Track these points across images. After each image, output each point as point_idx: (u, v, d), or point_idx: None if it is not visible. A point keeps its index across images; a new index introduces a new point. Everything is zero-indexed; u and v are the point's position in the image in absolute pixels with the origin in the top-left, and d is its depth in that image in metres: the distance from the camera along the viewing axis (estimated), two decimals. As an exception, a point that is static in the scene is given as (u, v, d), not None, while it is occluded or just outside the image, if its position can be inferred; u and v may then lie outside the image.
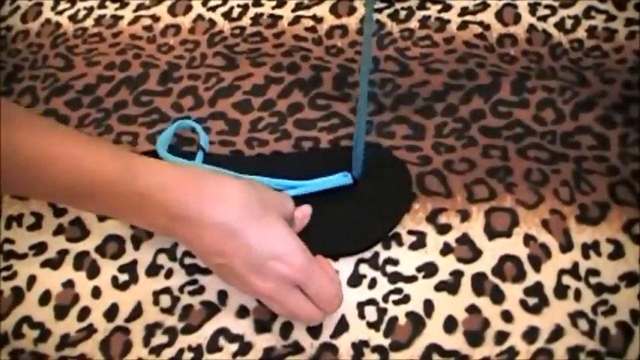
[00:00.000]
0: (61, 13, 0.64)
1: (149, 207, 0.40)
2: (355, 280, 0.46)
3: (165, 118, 0.55)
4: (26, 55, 0.61)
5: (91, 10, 0.64)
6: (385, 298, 0.45)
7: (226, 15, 0.62)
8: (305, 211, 0.47)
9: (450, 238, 0.47)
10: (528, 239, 0.46)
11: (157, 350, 0.44)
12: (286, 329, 0.44)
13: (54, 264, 0.48)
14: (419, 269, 0.46)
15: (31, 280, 0.47)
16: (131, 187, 0.40)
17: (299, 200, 0.48)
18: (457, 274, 0.45)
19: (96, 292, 0.47)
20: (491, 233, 0.47)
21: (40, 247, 0.49)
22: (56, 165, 0.39)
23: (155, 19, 0.63)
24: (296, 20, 0.61)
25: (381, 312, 0.44)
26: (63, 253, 0.48)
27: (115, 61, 0.60)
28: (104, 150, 0.41)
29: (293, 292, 0.41)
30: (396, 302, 0.44)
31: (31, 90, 0.58)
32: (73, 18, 0.64)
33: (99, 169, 0.40)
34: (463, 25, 0.59)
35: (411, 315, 0.44)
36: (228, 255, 0.40)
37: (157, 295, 0.46)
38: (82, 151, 0.41)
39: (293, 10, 0.62)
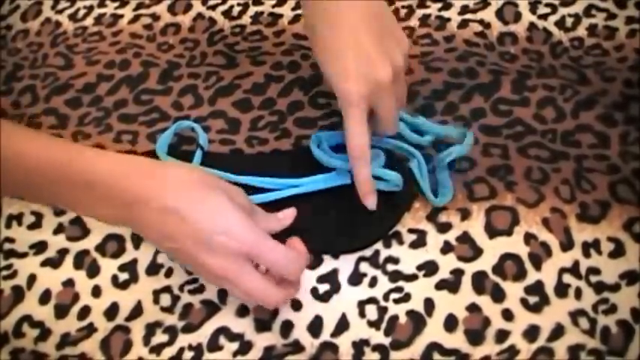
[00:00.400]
0: (61, 12, 0.64)
1: (97, 196, 0.41)
2: (356, 278, 0.46)
3: (165, 116, 0.55)
4: (26, 54, 0.61)
5: (90, 8, 0.64)
6: (386, 297, 0.45)
7: (226, 13, 0.62)
8: (287, 213, 0.46)
9: (451, 236, 0.47)
10: (529, 238, 0.46)
11: (157, 349, 0.44)
12: (287, 328, 0.44)
13: (54, 263, 0.48)
14: (419, 268, 0.46)
15: (32, 279, 0.47)
16: (78, 175, 0.41)
17: (299, 199, 0.48)
18: (458, 273, 0.45)
19: (96, 291, 0.47)
20: (492, 232, 0.47)
21: (40, 246, 0.49)
22: (7, 159, 0.42)
23: (155, 17, 0.63)
24: (296, 19, 0.61)
25: (382, 311, 0.44)
26: (63, 252, 0.48)
27: (115, 59, 0.60)
28: (52, 141, 0.43)
29: (245, 268, 0.40)
30: (396, 301, 0.44)
31: (31, 89, 0.58)
32: (72, 17, 0.64)
33: (47, 159, 0.41)
34: (463, 24, 0.59)
35: (411, 314, 0.44)
36: (178, 238, 0.40)
37: (157, 294, 0.46)
38: (31, 143, 0.42)
39: (293, 9, 0.62)
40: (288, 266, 0.41)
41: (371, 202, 0.45)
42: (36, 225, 0.50)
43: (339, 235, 0.47)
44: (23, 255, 0.49)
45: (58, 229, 0.49)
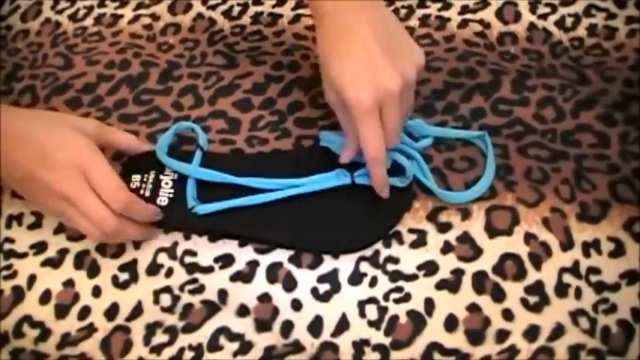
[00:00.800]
0: (60, 12, 0.64)
1: None
2: (356, 278, 0.46)
3: (165, 116, 0.55)
4: (26, 54, 0.61)
5: (90, 9, 0.64)
6: (386, 297, 0.45)
7: (226, 13, 0.62)
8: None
9: (451, 236, 0.47)
10: (529, 237, 0.46)
11: (157, 349, 0.44)
12: (287, 328, 0.44)
13: (54, 263, 0.48)
14: (419, 268, 0.46)
15: (32, 279, 0.47)
16: None
17: (299, 198, 0.48)
18: (458, 273, 0.45)
19: (96, 292, 0.47)
20: (492, 231, 0.47)
21: (40, 247, 0.49)
22: None
23: (155, 17, 0.63)
24: (296, 19, 0.61)
25: (382, 310, 0.44)
26: (63, 253, 0.48)
27: (115, 60, 0.60)
28: None
29: (84, 186, 0.43)
30: (396, 301, 0.44)
31: (31, 89, 0.58)
32: (72, 17, 0.64)
33: None
34: (463, 24, 0.59)
35: (411, 313, 0.44)
36: (19, 161, 0.43)
37: (157, 294, 0.46)
38: None
39: (293, 9, 0.62)
40: (114, 192, 0.43)
41: (386, 193, 0.46)
42: (36, 225, 0.50)
43: (339, 236, 0.47)
44: (23, 255, 0.49)
45: (58, 229, 0.49)
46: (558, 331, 0.42)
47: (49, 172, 0.43)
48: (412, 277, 0.45)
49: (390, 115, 0.44)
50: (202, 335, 0.44)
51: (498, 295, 0.44)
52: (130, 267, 0.47)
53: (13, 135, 0.44)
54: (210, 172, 0.48)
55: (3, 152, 0.44)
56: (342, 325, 0.44)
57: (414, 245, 0.47)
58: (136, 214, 0.45)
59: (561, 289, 0.44)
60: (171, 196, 0.49)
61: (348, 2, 0.46)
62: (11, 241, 0.49)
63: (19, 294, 0.47)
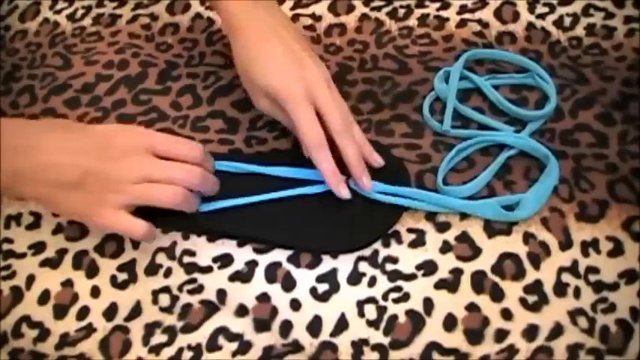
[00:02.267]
0: (59, 12, 0.64)
1: None
2: (355, 278, 0.46)
3: (163, 116, 0.55)
4: (24, 54, 0.61)
5: (89, 9, 0.64)
6: (385, 297, 0.45)
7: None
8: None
9: (450, 236, 0.47)
10: (528, 237, 0.46)
11: (156, 349, 0.44)
12: (286, 328, 0.44)
13: (53, 263, 0.48)
14: (418, 267, 0.46)
15: (30, 279, 0.47)
16: None
17: (298, 199, 0.48)
18: (457, 272, 0.45)
19: (95, 292, 0.46)
20: (491, 231, 0.47)
21: (39, 247, 0.49)
22: None
23: (153, 17, 0.63)
24: (295, 18, 0.61)
25: (381, 310, 0.44)
26: (62, 253, 0.48)
27: (114, 59, 0.60)
28: None
29: (159, 160, 0.44)
30: (395, 300, 0.44)
31: (29, 89, 0.58)
32: (71, 17, 0.64)
33: None
34: (462, 23, 0.59)
35: (410, 313, 0.44)
36: (74, 160, 0.42)
37: (156, 294, 0.46)
38: None
39: (291, 9, 0.62)
40: (186, 142, 0.45)
41: (344, 192, 0.46)
42: (34, 225, 0.50)
43: (338, 235, 0.47)
44: (22, 255, 0.49)
45: (57, 230, 0.49)
46: (557, 331, 0.42)
47: (120, 161, 0.43)
48: (411, 277, 0.45)
49: (326, 102, 0.45)
50: (201, 335, 0.44)
51: (497, 295, 0.44)
52: (129, 267, 0.47)
53: (65, 125, 0.45)
54: (229, 163, 0.49)
55: (56, 145, 0.42)
56: (341, 324, 0.44)
57: (413, 245, 0.47)
58: (209, 163, 0.47)
59: (560, 289, 0.44)
60: None
61: (253, 13, 0.48)
62: (10, 241, 0.49)
63: (17, 294, 0.47)
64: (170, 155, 0.44)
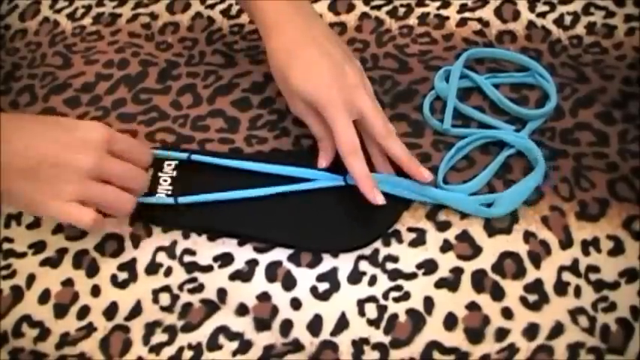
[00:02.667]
0: (59, 11, 0.64)
1: None
2: (355, 277, 0.46)
3: (164, 116, 0.55)
4: (24, 53, 0.61)
5: (89, 8, 0.64)
6: (385, 296, 0.45)
7: (225, 12, 0.62)
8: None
9: (450, 235, 0.47)
10: (528, 236, 0.46)
11: (156, 349, 0.44)
12: (286, 327, 0.44)
13: (53, 263, 0.48)
14: (419, 266, 0.46)
15: (31, 278, 0.47)
16: None
17: (299, 197, 0.48)
18: (457, 271, 0.45)
19: (95, 291, 0.46)
20: (491, 230, 0.47)
21: (39, 246, 0.49)
22: None
23: (153, 16, 0.63)
24: (295, 17, 0.61)
25: (381, 309, 0.44)
26: (62, 252, 0.48)
27: (114, 59, 0.59)
28: None
29: (112, 158, 0.44)
30: (396, 299, 0.44)
31: (29, 88, 0.58)
32: (71, 16, 0.64)
33: None
34: (462, 22, 0.59)
35: (411, 312, 0.44)
36: (32, 145, 0.42)
37: (156, 293, 0.46)
38: None
39: (292, 8, 0.61)
40: (140, 145, 0.46)
41: (379, 197, 0.45)
42: (35, 225, 0.50)
43: (338, 234, 0.47)
44: (22, 255, 0.49)
45: (57, 229, 0.49)
46: (558, 330, 0.42)
47: (76, 152, 0.43)
48: (411, 276, 0.45)
49: (368, 109, 0.46)
50: (202, 334, 0.44)
51: (498, 294, 0.44)
52: (129, 266, 0.47)
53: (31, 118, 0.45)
54: (210, 158, 0.49)
55: (16, 137, 0.42)
56: (342, 323, 0.44)
57: (414, 244, 0.47)
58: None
59: (560, 288, 0.44)
60: (169, 193, 0.49)
61: (291, 15, 0.48)
62: (10, 240, 0.49)
63: (18, 293, 0.47)
64: (125, 156, 0.45)
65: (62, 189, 0.43)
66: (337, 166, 0.48)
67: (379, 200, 0.45)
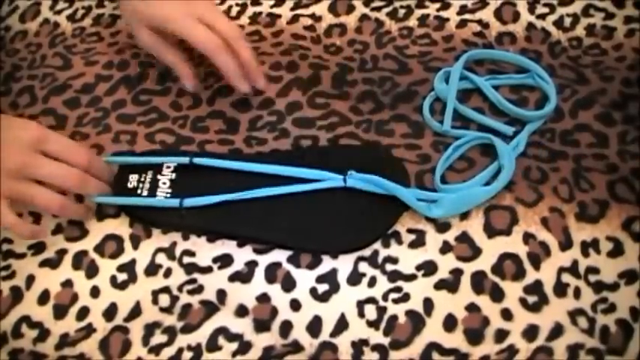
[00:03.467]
0: (59, 12, 0.64)
1: None
2: (355, 278, 0.46)
3: (163, 117, 0.55)
4: (24, 54, 0.61)
5: (89, 9, 0.64)
6: (385, 297, 0.45)
7: (225, 14, 0.62)
8: None
9: (450, 236, 0.47)
10: (528, 237, 0.46)
11: (156, 349, 0.44)
12: (286, 328, 0.44)
13: (53, 263, 0.48)
14: (418, 268, 0.46)
15: (30, 279, 0.47)
16: None
17: (295, 198, 0.48)
18: (457, 273, 0.45)
19: (95, 292, 0.46)
20: (491, 231, 0.47)
21: (38, 247, 0.49)
22: None
23: (153, 18, 0.63)
24: (295, 19, 0.61)
25: (381, 310, 0.44)
26: (62, 253, 0.48)
27: (114, 60, 0.59)
28: None
29: (42, 157, 0.44)
30: (395, 301, 0.44)
31: (29, 89, 0.58)
32: (71, 17, 0.64)
33: None
34: (462, 24, 0.59)
35: (410, 313, 0.44)
36: None
37: (155, 294, 0.46)
38: None
39: (292, 9, 0.62)
40: (75, 145, 0.47)
41: (245, 86, 0.50)
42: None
43: (338, 235, 0.47)
44: (21, 255, 0.49)
45: (57, 230, 0.49)
46: (557, 331, 0.42)
47: (5, 149, 0.43)
48: (411, 277, 0.45)
49: (215, 15, 0.50)
50: (201, 335, 0.44)
51: (497, 295, 0.44)
52: (129, 267, 0.47)
53: None
54: (211, 161, 0.49)
55: None
56: (341, 325, 0.44)
57: (413, 245, 0.47)
58: (97, 170, 0.48)
59: (560, 289, 0.44)
60: (168, 195, 0.49)
61: None
62: (9, 241, 0.49)
63: (17, 294, 0.47)
64: (57, 156, 0.45)
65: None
66: (336, 167, 0.48)
67: (245, 88, 0.50)
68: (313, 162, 0.49)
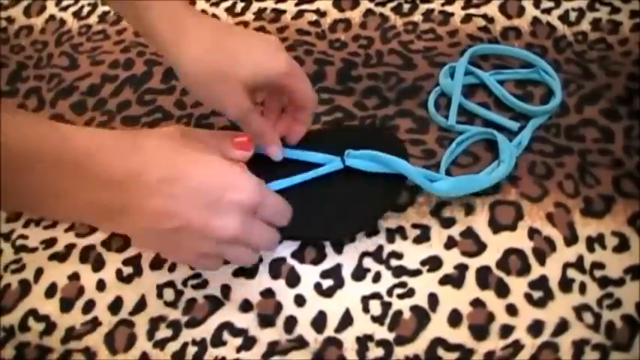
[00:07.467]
0: (65, 9, 0.64)
1: (84, 176, 0.36)
2: (359, 273, 0.46)
3: (168, 116, 0.55)
4: (30, 52, 0.62)
5: (94, 6, 0.64)
6: (389, 292, 0.45)
7: (229, 10, 0.62)
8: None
9: (455, 231, 0.47)
10: (533, 232, 0.46)
11: (161, 344, 0.44)
12: (290, 323, 0.44)
13: (61, 257, 0.48)
14: (423, 263, 0.46)
15: (38, 272, 0.48)
16: (64, 154, 0.36)
17: (295, 188, 0.47)
18: (462, 268, 0.45)
19: (101, 285, 0.47)
20: (496, 226, 0.46)
21: (50, 242, 0.49)
22: None
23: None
24: (299, 14, 0.61)
25: (386, 306, 0.44)
26: (70, 247, 0.49)
27: (119, 59, 0.60)
28: (41, 123, 0.38)
29: (255, 221, 0.40)
30: (400, 296, 0.44)
31: (36, 91, 0.58)
32: (77, 14, 0.64)
33: (37, 140, 0.35)
34: (467, 18, 0.59)
35: (415, 309, 0.44)
36: (180, 210, 0.36)
37: (160, 288, 0.46)
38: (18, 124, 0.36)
39: (296, 5, 0.62)
40: (286, 211, 0.43)
41: (277, 153, 0.47)
42: (51, 226, 0.50)
43: (337, 222, 0.46)
44: (33, 249, 0.49)
45: (69, 227, 0.49)
46: (562, 326, 0.42)
47: (225, 220, 0.37)
48: (416, 273, 0.45)
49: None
50: (206, 330, 0.44)
51: (502, 291, 0.44)
52: (135, 261, 0.47)
53: (164, 180, 0.37)
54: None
55: (151, 201, 0.36)
56: (346, 320, 0.44)
57: (418, 240, 0.46)
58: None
59: (565, 284, 0.44)
60: None
61: (191, 11, 0.44)
62: (25, 237, 0.49)
63: (25, 287, 0.47)
64: (266, 219, 0.41)
65: (192, 247, 0.39)
66: (332, 149, 0.47)
67: (278, 156, 0.47)
68: (309, 145, 0.48)
